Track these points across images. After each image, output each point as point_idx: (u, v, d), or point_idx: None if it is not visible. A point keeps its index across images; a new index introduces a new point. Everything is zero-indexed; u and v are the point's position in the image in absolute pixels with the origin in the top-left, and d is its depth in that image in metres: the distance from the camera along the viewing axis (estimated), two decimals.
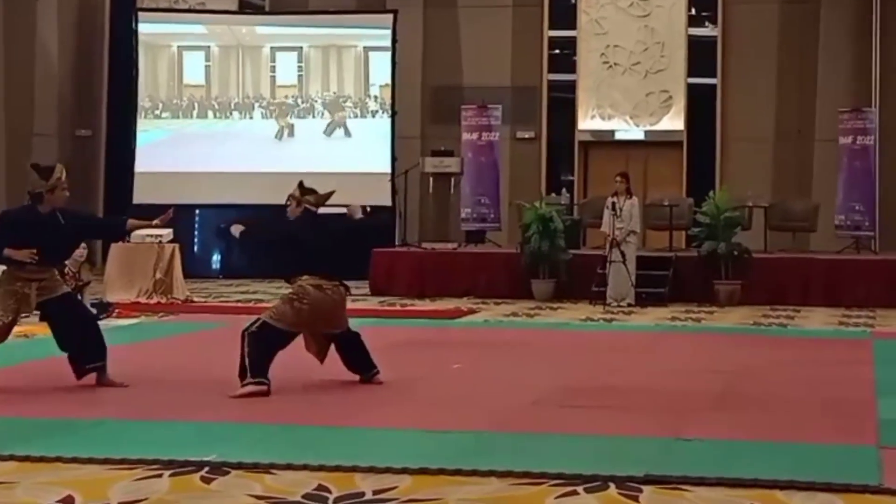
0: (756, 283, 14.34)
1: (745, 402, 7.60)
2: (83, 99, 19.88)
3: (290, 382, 7.84)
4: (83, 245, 12.09)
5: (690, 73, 18.57)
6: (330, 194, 8.41)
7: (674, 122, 18.58)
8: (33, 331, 10.47)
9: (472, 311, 13.26)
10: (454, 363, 9.14)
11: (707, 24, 18.70)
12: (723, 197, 15.02)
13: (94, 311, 11.59)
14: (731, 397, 7.77)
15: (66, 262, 11.80)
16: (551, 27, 19.01)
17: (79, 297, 11.72)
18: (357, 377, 8.08)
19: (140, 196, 17.52)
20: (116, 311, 12.35)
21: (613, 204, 13.98)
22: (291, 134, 18.30)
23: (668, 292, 14.13)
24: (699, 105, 18.49)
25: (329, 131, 18.22)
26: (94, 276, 12.48)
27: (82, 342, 7.73)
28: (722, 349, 10.33)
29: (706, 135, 18.38)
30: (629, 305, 13.64)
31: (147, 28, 18.39)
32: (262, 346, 7.60)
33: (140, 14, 18.57)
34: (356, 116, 18.28)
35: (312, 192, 8.30)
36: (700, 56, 18.55)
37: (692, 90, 18.55)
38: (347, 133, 18.26)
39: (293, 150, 18.08)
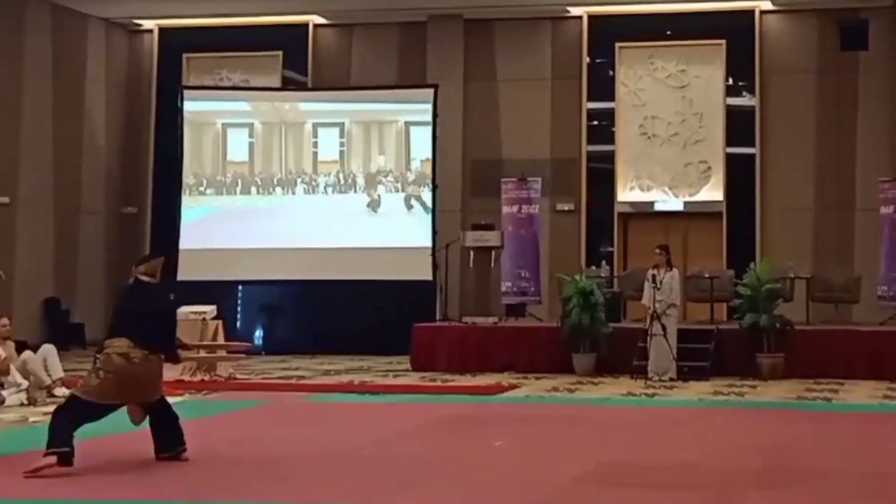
0: (799, 355, 14.22)
1: (790, 478, 7.55)
2: (129, 176, 20.33)
3: (328, 458, 7.88)
4: None
5: (729, 143, 18.65)
6: (160, 261, 8.38)
7: (713, 192, 18.62)
8: None
9: (513, 387, 13.22)
10: (495, 440, 9.13)
11: (745, 93, 18.79)
12: (764, 268, 14.92)
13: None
14: (776, 474, 7.72)
15: None
16: (590, 99, 19.19)
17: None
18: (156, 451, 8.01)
19: (184, 273, 17.69)
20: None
21: (654, 276, 13.90)
22: (333, 209, 18.46)
23: (709, 366, 14.02)
24: (738, 175, 18.51)
25: (376, 208, 18.39)
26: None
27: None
28: (765, 424, 10.28)
29: (746, 205, 18.40)
30: (671, 380, 13.54)
31: (192, 106, 18.74)
32: (68, 417, 7.61)
33: (186, 92, 18.97)
34: (397, 191, 18.46)
35: (145, 261, 8.36)
36: (738, 126, 18.63)
37: (731, 160, 18.61)
38: (390, 208, 18.39)
39: (335, 225, 18.24)
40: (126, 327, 7.81)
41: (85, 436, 7.85)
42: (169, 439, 8.00)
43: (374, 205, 18.43)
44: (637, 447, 8.84)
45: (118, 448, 8.19)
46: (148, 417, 7.99)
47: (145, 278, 8.13)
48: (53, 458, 7.34)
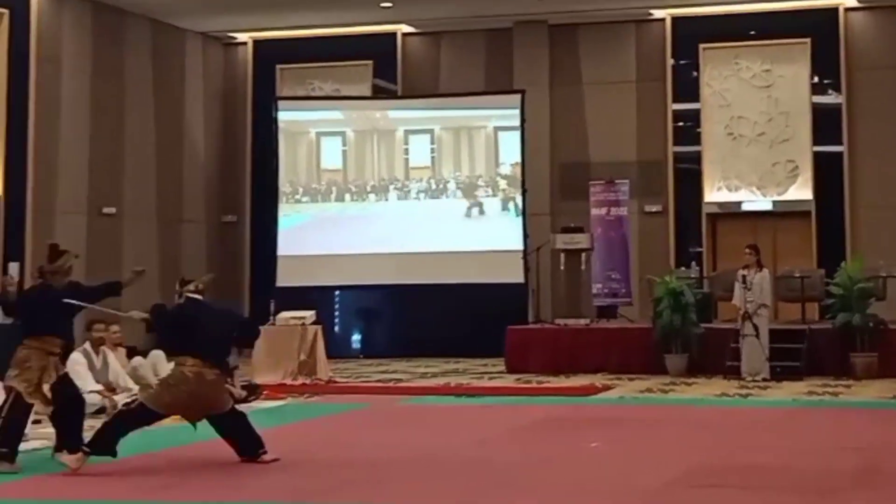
0: (893, 354, 14.20)
1: (887, 480, 7.62)
2: (228, 185, 20.88)
3: (425, 461, 8.17)
4: None
5: (816, 142, 18.59)
6: (211, 278, 9.13)
7: (801, 191, 18.60)
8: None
9: (606, 388, 13.40)
10: (590, 442, 9.25)
11: (831, 91, 18.70)
12: (855, 267, 14.94)
13: (244, 392, 12.26)
14: (873, 475, 7.78)
15: None
16: (675, 101, 19.27)
17: (228, 380, 12.38)
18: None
19: (283, 279, 18.21)
20: (264, 392, 12.74)
21: (744, 277, 13.99)
22: (425, 214, 18.77)
23: (803, 366, 14.09)
24: (826, 173, 18.44)
25: (468, 212, 18.68)
26: (241, 360, 13.03)
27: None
28: (861, 425, 10.36)
29: (835, 203, 18.31)
30: (764, 380, 13.62)
31: (286, 116, 19.16)
32: (126, 425, 8.09)
33: (280, 102, 19.41)
34: (487, 195, 18.71)
35: (191, 280, 8.77)
36: (825, 124, 18.56)
37: (819, 158, 18.56)
38: (482, 212, 18.69)
39: (427, 230, 18.56)
40: (195, 345, 8.19)
41: (169, 444, 8.32)
42: (247, 445, 8.36)
43: (465, 209, 18.69)
44: (732, 449, 8.93)
45: (207, 454, 8.52)
46: (220, 429, 8.38)
47: (198, 297, 8.57)
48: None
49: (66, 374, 8.63)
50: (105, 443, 8.04)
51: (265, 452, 8.36)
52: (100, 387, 11.53)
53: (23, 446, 8.60)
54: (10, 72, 16.82)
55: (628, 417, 11.08)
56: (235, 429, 8.38)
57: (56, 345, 8.48)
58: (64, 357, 8.71)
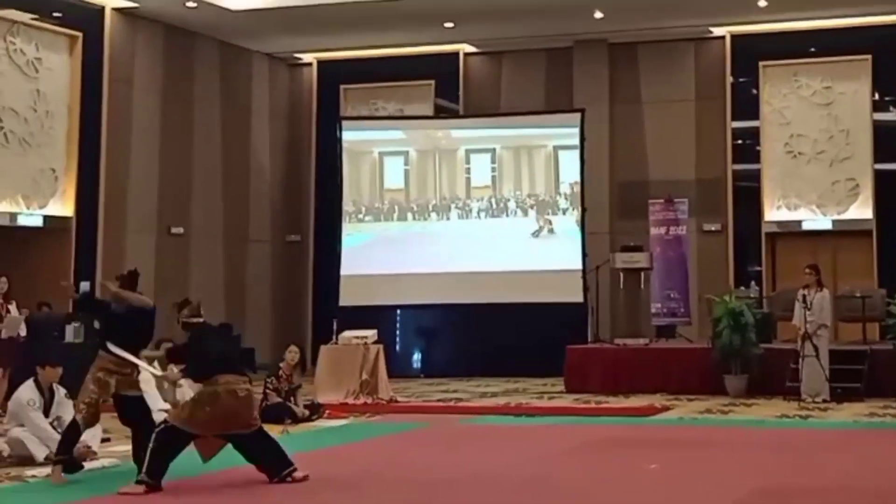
0: None
1: None
2: (293, 205, 21.19)
3: (486, 480, 8.26)
4: (294, 349, 12.97)
5: (877, 160, 18.51)
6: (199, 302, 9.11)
7: (862, 210, 18.53)
8: None
9: (665, 408, 13.42)
10: (650, 464, 9.24)
11: (892, 108, 18.64)
12: None
13: (307, 412, 12.52)
14: None
15: (280, 366, 12.77)
16: (734, 118, 19.31)
17: (292, 399, 12.63)
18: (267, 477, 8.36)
19: (346, 298, 18.40)
20: (327, 412, 12.91)
21: (804, 296, 13.93)
22: (486, 233, 18.91)
23: (864, 387, 14.02)
24: (888, 192, 18.35)
25: (528, 232, 18.80)
26: (304, 378, 13.25)
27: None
28: None
29: None
30: (824, 401, 13.56)
31: (350, 135, 19.41)
32: (173, 448, 8.16)
33: (344, 123, 19.69)
34: (547, 214, 18.81)
35: (185, 304, 9.06)
36: (886, 142, 18.49)
37: (880, 177, 18.47)
38: (542, 231, 18.81)
39: (488, 249, 18.68)
40: (225, 364, 8.41)
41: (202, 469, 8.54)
42: (275, 465, 8.37)
43: (525, 228, 18.80)
44: (793, 471, 8.93)
45: (247, 477, 8.58)
46: (247, 453, 8.42)
47: (198, 320, 8.84)
48: (142, 488, 7.96)
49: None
50: (153, 472, 8.10)
51: (295, 470, 8.35)
52: (168, 405, 11.78)
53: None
54: (84, 92, 17.30)
55: (688, 439, 11.07)
56: (264, 451, 8.41)
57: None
58: None
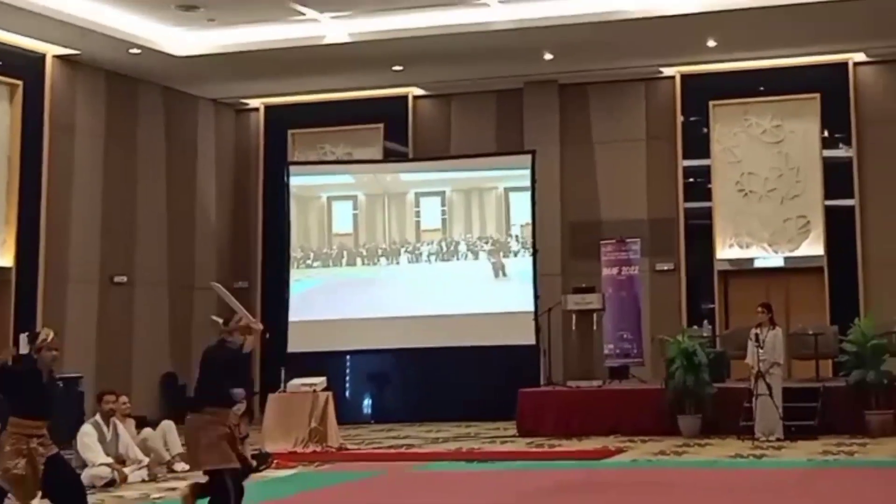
0: None
1: None
2: (240, 251, 20.98)
3: None
4: (242, 396, 12.70)
5: (827, 196, 18.56)
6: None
7: (813, 247, 18.54)
8: None
9: (619, 451, 13.33)
10: None
11: (841, 146, 18.71)
12: (868, 323, 14.85)
13: (255, 462, 12.21)
14: None
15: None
16: (685, 157, 19.30)
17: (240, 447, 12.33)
18: None
19: (294, 345, 18.20)
20: (275, 461, 12.70)
21: (756, 335, 13.95)
22: (436, 277, 18.76)
23: (817, 424, 13.98)
24: (838, 229, 18.38)
25: (478, 275, 18.64)
26: (252, 427, 12.97)
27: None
28: (877, 485, 10.26)
29: (847, 259, 18.22)
30: (778, 440, 13.53)
31: (298, 180, 19.24)
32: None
33: (291, 168, 19.51)
34: (498, 257, 18.65)
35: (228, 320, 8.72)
36: (836, 179, 18.54)
37: (830, 213, 18.51)
38: (492, 274, 18.65)
39: (438, 293, 18.53)
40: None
41: None
42: None
43: (476, 272, 18.67)
44: None
45: None
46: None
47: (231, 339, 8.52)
48: None
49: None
50: None
51: None
52: (110, 459, 11.51)
53: None
54: (24, 141, 17.01)
55: (643, 481, 11.05)
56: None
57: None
58: None
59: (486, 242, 18.75)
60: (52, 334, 8.16)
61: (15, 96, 17.01)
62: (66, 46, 17.19)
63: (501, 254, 18.68)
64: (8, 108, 16.96)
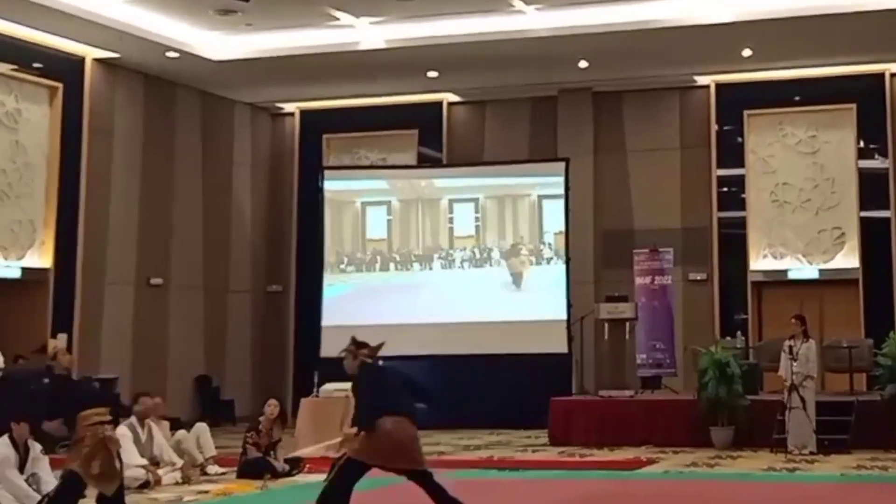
0: None
1: None
2: (274, 255, 21.07)
3: None
4: (274, 403, 12.78)
5: (863, 208, 18.49)
6: (380, 346, 8.82)
7: (848, 259, 18.46)
8: (230, 489, 11.12)
9: (651, 462, 13.27)
10: None
11: (877, 156, 18.63)
12: None
13: (287, 466, 12.30)
14: None
15: (260, 420, 12.57)
16: (719, 167, 19.27)
17: (272, 453, 12.42)
18: None
19: (326, 349, 18.16)
20: (308, 466, 12.69)
21: (790, 347, 13.87)
22: (469, 284, 18.80)
23: (851, 438, 13.90)
24: (874, 240, 18.30)
25: (512, 282, 18.68)
26: (285, 432, 13.03)
27: None
28: None
29: (883, 271, 18.13)
30: (811, 453, 13.45)
31: (332, 185, 19.33)
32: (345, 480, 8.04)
33: (326, 172, 19.60)
34: (532, 264, 18.73)
35: (365, 345, 8.74)
36: (872, 190, 18.47)
37: (866, 225, 18.43)
38: (525, 281, 18.66)
39: (471, 300, 18.58)
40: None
41: None
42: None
43: (509, 279, 18.71)
44: None
45: None
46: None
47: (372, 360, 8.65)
48: None
49: None
50: None
51: None
52: (145, 461, 11.60)
53: None
54: (63, 142, 17.20)
55: (674, 493, 10.97)
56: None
57: None
58: None
59: (520, 250, 18.72)
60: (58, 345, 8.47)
61: (55, 99, 17.20)
62: (105, 49, 17.38)
63: (531, 261, 18.65)
64: (48, 110, 17.14)
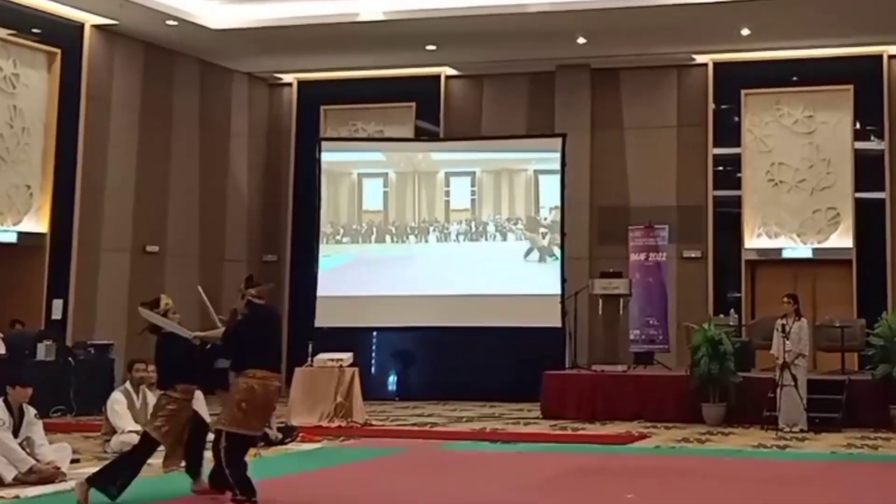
0: None
1: None
2: (270, 225, 21.05)
3: None
4: None
5: (858, 189, 18.51)
6: (271, 286, 8.95)
7: (842, 239, 18.51)
8: None
9: (642, 436, 13.35)
10: (627, 493, 9.21)
11: (873, 138, 18.64)
12: None
13: (280, 435, 12.37)
14: None
15: None
16: (716, 146, 19.28)
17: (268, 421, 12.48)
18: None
19: (321, 319, 18.32)
20: (300, 435, 12.80)
21: (783, 326, 13.95)
22: (465, 257, 18.82)
23: (841, 417, 13.97)
24: (868, 221, 18.34)
25: (506, 256, 18.69)
26: (279, 400, 13.08)
27: None
28: None
29: (876, 252, 18.18)
30: (801, 431, 13.54)
31: (329, 156, 19.32)
32: (237, 458, 8.15)
33: (323, 143, 19.58)
34: (527, 239, 18.75)
35: (256, 284, 8.72)
36: (867, 171, 18.47)
37: (860, 206, 18.46)
38: (520, 255, 18.71)
39: (466, 273, 18.59)
40: (261, 355, 8.37)
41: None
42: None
43: (503, 253, 18.74)
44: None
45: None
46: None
47: (259, 301, 8.59)
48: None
49: None
50: (242, 487, 8.11)
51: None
52: (139, 427, 11.64)
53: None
54: (61, 109, 17.15)
55: (665, 468, 11.03)
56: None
57: None
58: None
59: (515, 224, 18.77)
60: (171, 301, 8.76)
61: (53, 65, 17.15)
62: (104, 16, 17.32)
63: (526, 236, 18.72)
64: (46, 75, 17.10)
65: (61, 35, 17.15)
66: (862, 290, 18.20)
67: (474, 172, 19.19)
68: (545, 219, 18.72)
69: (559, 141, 18.70)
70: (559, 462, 11.36)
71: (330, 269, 18.94)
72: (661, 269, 17.60)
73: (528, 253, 18.70)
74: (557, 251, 18.44)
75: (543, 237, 18.69)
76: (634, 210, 19.14)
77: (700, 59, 19.31)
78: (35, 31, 16.77)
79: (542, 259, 18.60)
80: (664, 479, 10.15)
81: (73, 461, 10.14)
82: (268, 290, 8.78)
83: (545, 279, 18.25)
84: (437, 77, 20.50)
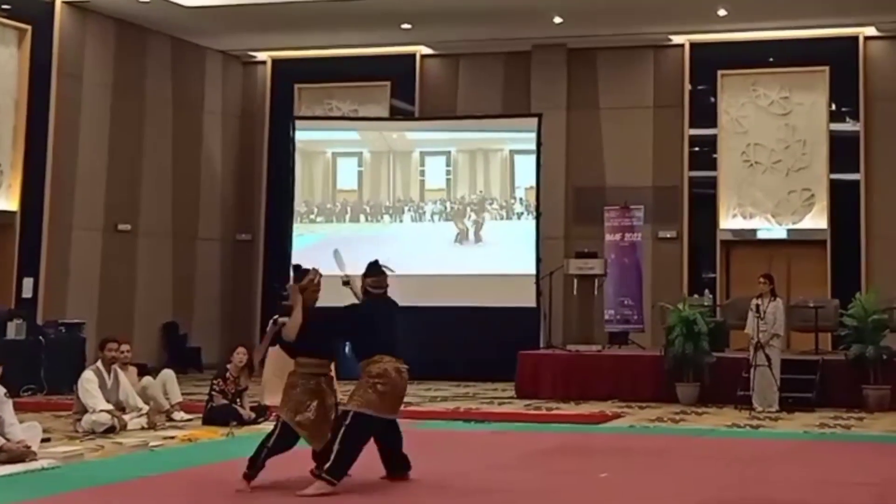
0: None
1: None
2: (244, 204, 20.96)
3: (436, 488, 8.20)
4: (242, 350, 12.77)
5: (833, 170, 18.57)
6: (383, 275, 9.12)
7: (817, 220, 18.57)
8: (196, 435, 11.11)
9: (616, 416, 13.36)
10: (601, 472, 9.22)
11: (849, 120, 18.70)
12: (870, 298, 14.82)
13: (253, 414, 12.30)
14: None
15: (227, 367, 12.57)
16: (692, 126, 19.30)
17: (238, 401, 12.42)
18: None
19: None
20: (273, 414, 12.82)
21: (757, 306, 13.99)
22: (439, 236, 18.79)
23: (815, 397, 14.03)
24: (843, 202, 18.41)
25: (481, 236, 18.67)
26: (252, 381, 13.02)
27: None
28: (873, 458, 10.27)
29: (851, 233, 18.28)
30: (775, 411, 13.60)
31: (303, 135, 19.24)
32: (358, 439, 8.10)
33: (297, 122, 19.49)
34: (502, 218, 18.74)
35: (373, 274, 9.17)
36: (842, 152, 18.53)
37: (835, 187, 18.52)
38: (495, 235, 18.68)
39: (441, 252, 18.57)
40: (389, 344, 8.57)
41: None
42: (402, 461, 8.50)
43: (479, 232, 18.73)
44: (744, 482, 8.88)
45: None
46: (378, 439, 8.40)
47: (377, 290, 8.79)
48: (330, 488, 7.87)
49: None
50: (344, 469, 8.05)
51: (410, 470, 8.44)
52: (110, 406, 11.56)
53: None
54: (32, 86, 16.99)
55: (638, 447, 11.03)
56: (395, 440, 8.49)
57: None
58: None
59: (490, 204, 18.72)
60: (319, 276, 8.91)
61: (23, 41, 16.96)
62: None
63: (501, 215, 18.63)
64: (16, 52, 16.91)
65: (31, 11, 16.97)
66: (836, 271, 18.28)
67: (449, 152, 19.14)
68: (521, 199, 18.64)
69: (535, 121, 18.67)
70: (533, 441, 11.36)
71: (304, 249, 18.74)
72: (637, 250, 17.59)
73: (499, 233, 18.61)
74: (533, 231, 18.35)
75: (519, 217, 18.60)
76: (610, 190, 19.12)
77: (676, 39, 19.31)
78: (5, 6, 16.58)
79: (517, 239, 18.52)
80: (638, 459, 10.15)
81: (44, 440, 10.04)
82: (384, 280, 8.98)
83: (520, 259, 18.20)
84: (412, 56, 20.41)
